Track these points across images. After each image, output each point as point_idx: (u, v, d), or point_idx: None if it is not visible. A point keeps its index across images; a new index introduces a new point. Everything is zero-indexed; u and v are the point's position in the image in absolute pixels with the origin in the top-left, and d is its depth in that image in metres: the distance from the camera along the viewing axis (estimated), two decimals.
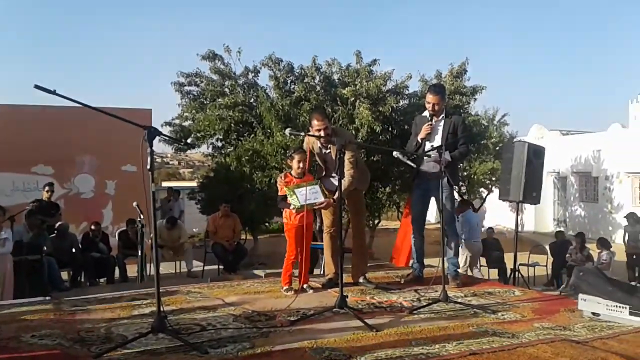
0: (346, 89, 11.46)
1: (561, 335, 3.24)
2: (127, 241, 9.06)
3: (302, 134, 4.73)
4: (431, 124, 4.84)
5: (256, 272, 8.71)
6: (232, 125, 12.77)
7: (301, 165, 4.47)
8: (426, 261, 5.25)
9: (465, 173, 14.35)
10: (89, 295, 4.60)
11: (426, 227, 5.32)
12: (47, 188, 9.04)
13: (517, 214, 6.63)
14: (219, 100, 13.12)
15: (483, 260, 10.72)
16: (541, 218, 21.25)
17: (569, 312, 3.86)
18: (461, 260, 8.07)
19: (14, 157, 10.25)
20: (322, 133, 4.38)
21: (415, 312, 3.83)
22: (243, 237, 10.95)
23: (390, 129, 11.89)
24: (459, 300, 4.19)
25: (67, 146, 10.70)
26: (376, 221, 14.22)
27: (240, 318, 3.65)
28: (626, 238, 11.39)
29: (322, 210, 4.61)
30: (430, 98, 4.86)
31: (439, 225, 4.69)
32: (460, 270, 5.38)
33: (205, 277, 7.61)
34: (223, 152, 13.69)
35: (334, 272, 4.70)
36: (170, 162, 49.88)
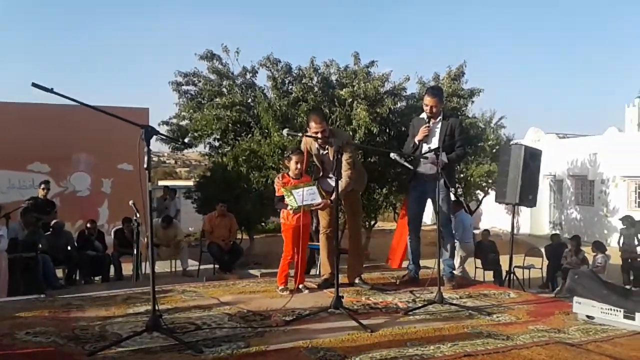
0: (344, 90, 11.46)
1: (555, 338, 3.25)
2: (123, 239, 9.05)
3: (300, 134, 4.74)
4: (429, 126, 4.85)
5: (252, 271, 8.72)
6: (230, 125, 12.76)
7: (299, 166, 4.47)
8: (422, 262, 5.26)
9: (461, 175, 14.38)
10: (84, 294, 4.60)
11: (422, 228, 5.33)
12: (42, 186, 9.01)
13: (513, 217, 6.65)
14: (217, 100, 13.11)
15: (478, 262, 10.75)
16: (537, 221, 21.30)
17: (563, 315, 3.87)
18: (456, 261, 8.10)
19: (9, 154, 10.20)
20: (319, 136, 4.39)
21: (410, 313, 3.84)
22: (239, 237, 10.94)
23: (387, 130, 11.89)
24: (454, 301, 4.20)
25: (63, 144, 10.65)
26: (372, 222, 14.22)
27: (236, 317, 3.65)
28: (621, 241, 11.43)
29: (319, 211, 4.62)
30: (428, 100, 4.87)
31: (434, 227, 4.71)
32: (455, 272, 5.39)
33: (200, 277, 7.60)
34: (220, 151, 13.67)
35: (330, 272, 4.71)
36: (167, 161, 49.83)
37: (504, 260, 9.19)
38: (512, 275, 7.06)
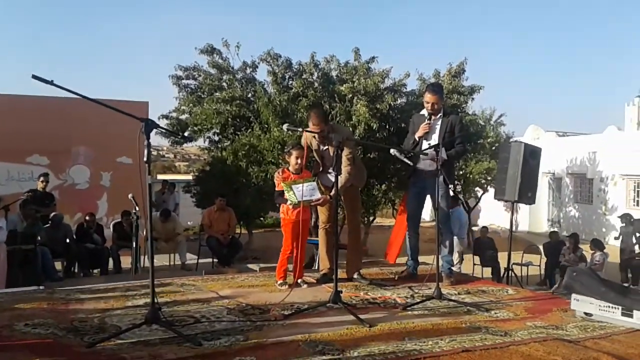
0: (344, 85, 11.46)
1: (554, 335, 3.25)
2: (122, 233, 9.05)
3: (300, 129, 4.74)
4: (429, 123, 4.85)
5: (250, 266, 8.71)
6: (229, 119, 12.77)
7: (299, 161, 4.47)
8: (420, 259, 5.27)
9: (461, 172, 14.39)
10: (83, 286, 4.60)
11: (421, 225, 5.34)
12: (42, 178, 9.01)
13: (512, 214, 6.65)
14: (217, 94, 13.11)
15: (477, 259, 10.77)
16: (535, 218, 21.33)
17: (561, 312, 3.88)
18: (455, 257, 8.12)
19: (9, 146, 10.19)
20: (315, 136, 4.41)
21: (408, 308, 3.84)
22: (237, 231, 10.94)
23: (387, 126, 11.90)
24: (453, 297, 4.21)
25: (62, 137, 10.65)
26: (371, 218, 14.24)
27: (234, 311, 3.66)
28: (620, 239, 11.45)
29: (318, 206, 4.62)
30: (428, 97, 4.87)
31: (433, 224, 4.71)
32: (454, 268, 5.40)
33: (199, 270, 7.61)
34: (219, 146, 13.68)
35: (329, 267, 4.72)
36: (166, 155, 49.72)
37: (502, 257, 9.21)
38: (510, 272, 7.06)
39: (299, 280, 4.55)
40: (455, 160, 5.72)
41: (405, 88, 12.37)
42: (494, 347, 2.93)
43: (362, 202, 6.22)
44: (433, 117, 4.88)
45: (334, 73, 12.42)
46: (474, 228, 12.60)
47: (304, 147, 4.57)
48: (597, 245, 10.39)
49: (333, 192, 4.20)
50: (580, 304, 3.73)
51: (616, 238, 11.90)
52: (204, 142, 14.24)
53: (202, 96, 13.59)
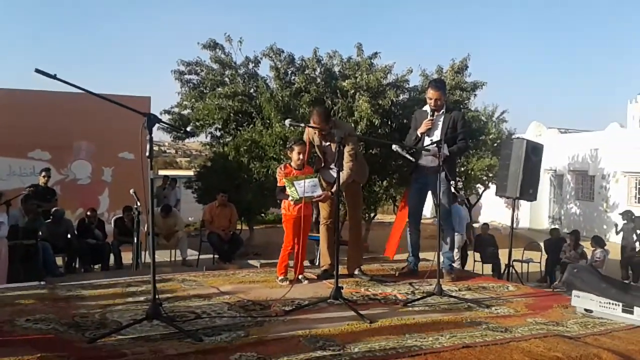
0: (346, 81, 11.44)
1: (554, 331, 3.26)
2: (123, 228, 9.06)
3: (302, 125, 4.73)
4: (432, 119, 4.84)
5: (251, 262, 8.72)
6: (232, 115, 12.75)
7: (301, 156, 4.47)
8: (421, 255, 5.27)
9: (462, 169, 14.37)
10: (84, 281, 4.60)
11: (422, 221, 5.33)
12: (43, 173, 9.01)
13: (514, 210, 6.64)
14: (219, 89, 13.09)
15: (477, 256, 10.77)
16: (536, 215, 21.31)
17: (562, 308, 3.88)
18: (455, 253, 8.13)
19: (10, 141, 10.19)
20: (317, 131, 4.41)
21: (409, 304, 3.85)
22: (238, 227, 10.95)
23: (389, 122, 11.89)
24: (453, 294, 4.21)
25: (64, 132, 10.64)
26: (372, 214, 14.24)
27: (235, 307, 3.66)
28: (621, 236, 11.45)
29: (320, 202, 4.62)
30: (431, 93, 4.86)
31: (433, 220, 4.71)
32: (455, 264, 5.40)
33: (200, 266, 7.62)
34: (221, 141, 13.67)
35: (329, 263, 4.72)
36: (168, 151, 49.74)
37: (502, 254, 9.21)
38: (510, 269, 7.07)
39: (300, 276, 4.55)
40: (457, 156, 5.71)
41: (408, 84, 12.37)
42: (494, 343, 2.93)
43: (363, 198, 6.20)
44: (436, 113, 4.87)
45: (336, 69, 12.40)
46: (475, 225, 12.59)
47: (306, 143, 4.57)
48: (598, 242, 10.39)
49: (335, 188, 4.20)
50: (581, 300, 3.73)
51: (617, 233, 11.89)
52: (206, 137, 14.24)
53: (204, 91, 13.58)
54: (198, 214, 13.06)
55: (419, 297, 4.05)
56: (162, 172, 21.41)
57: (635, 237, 11.20)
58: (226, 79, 13.40)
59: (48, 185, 9.09)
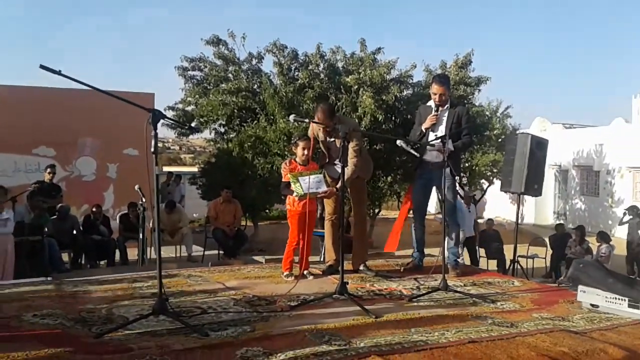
0: (350, 77, 11.41)
1: (560, 326, 3.25)
2: (128, 224, 9.09)
3: (306, 120, 4.73)
4: (437, 114, 4.83)
5: (256, 258, 8.74)
6: (235, 111, 12.73)
7: (306, 152, 4.47)
8: (426, 250, 5.27)
9: (467, 164, 14.33)
10: (90, 277, 4.62)
11: (426, 217, 5.33)
12: (48, 170, 9.05)
13: (518, 206, 6.62)
14: (223, 85, 13.07)
15: (482, 252, 10.76)
16: (541, 211, 21.26)
17: (568, 304, 3.88)
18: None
19: (15, 138, 10.24)
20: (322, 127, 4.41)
21: (414, 300, 3.85)
22: (243, 223, 10.97)
23: (393, 118, 11.85)
24: (459, 289, 4.21)
25: (69, 129, 10.68)
26: (376, 210, 14.23)
27: (241, 302, 3.67)
28: (627, 231, 11.40)
29: (324, 198, 4.62)
30: (435, 89, 4.85)
31: (438, 216, 4.72)
32: (460, 260, 5.40)
33: (205, 262, 7.64)
34: (225, 137, 13.66)
35: (334, 259, 4.73)
36: (172, 147, 49.80)
37: (507, 250, 9.20)
38: (515, 264, 7.05)
39: (305, 272, 4.56)
40: (462, 151, 5.70)
41: (412, 79, 12.31)
42: (500, 338, 2.93)
43: (367, 194, 6.20)
44: (440, 109, 4.86)
45: (340, 64, 12.37)
46: (480, 220, 12.55)
47: (311, 139, 4.56)
48: (604, 237, 10.36)
49: (339, 184, 4.19)
50: (587, 295, 3.73)
51: (620, 224, 11.85)
52: (210, 133, 14.23)
53: (208, 87, 13.56)
54: (203, 210, 13.07)
55: (424, 292, 4.05)
56: (166, 169, 21.48)
57: None
58: (230, 75, 13.38)
59: (53, 181, 9.14)
